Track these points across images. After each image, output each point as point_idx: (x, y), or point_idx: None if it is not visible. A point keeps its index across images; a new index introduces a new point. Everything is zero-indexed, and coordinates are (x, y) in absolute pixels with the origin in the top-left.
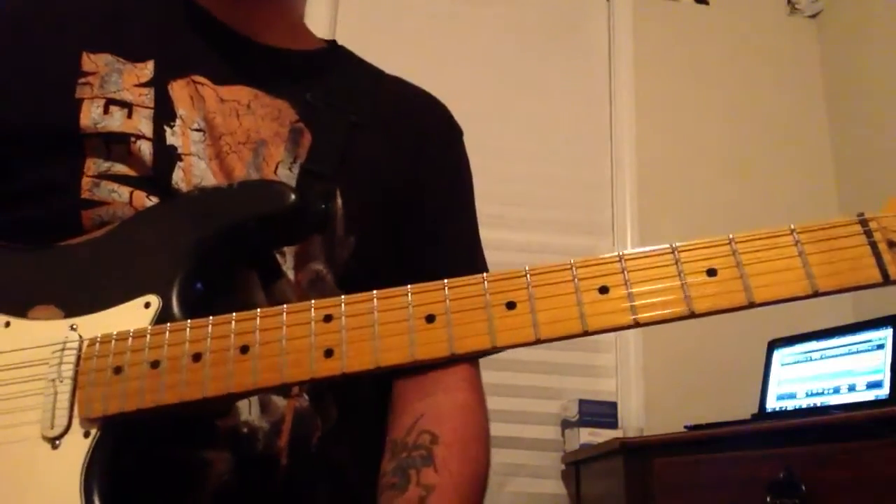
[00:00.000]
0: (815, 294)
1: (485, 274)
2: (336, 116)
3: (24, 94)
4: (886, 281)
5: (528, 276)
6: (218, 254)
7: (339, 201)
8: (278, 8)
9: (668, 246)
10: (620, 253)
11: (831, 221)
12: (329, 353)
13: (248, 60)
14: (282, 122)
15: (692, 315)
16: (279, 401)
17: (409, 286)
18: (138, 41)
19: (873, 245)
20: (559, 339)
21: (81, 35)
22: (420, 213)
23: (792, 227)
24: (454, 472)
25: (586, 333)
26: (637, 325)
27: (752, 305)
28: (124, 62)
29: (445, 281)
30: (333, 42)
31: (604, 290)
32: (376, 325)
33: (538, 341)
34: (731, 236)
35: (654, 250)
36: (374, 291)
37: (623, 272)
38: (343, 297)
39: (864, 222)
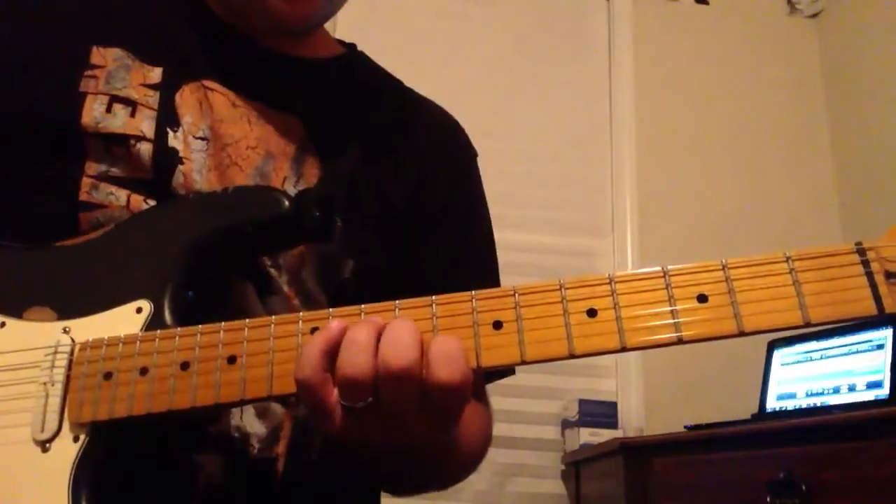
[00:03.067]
0: (808, 324)
1: (473, 292)
2: (346, 137)
3: (28, 84)
4: (881, 313)
5: (517, 295)
6: (212, 259)
7: (339, 222)
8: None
9: (659, 269)
10: (611, 275)
11: (828, 249)
12: None
13: (259, 69)
14: (288, 140)
15: (680, 341)
16: (278, 406)
17: (397, 301)
18: (150, 41)
19: (870, 276)
20: (545, 360)
21: (92, 28)
22: (434, 238)
23: (788, 254)
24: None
25: (573, 356)
26: (624, 349)
27: (742, 334)
28: (134, 59)
29: (433, 297)
30: (352, 47)
31: (592, 312)
32: None
33: (523, 362)
34: (724, 261)
35: (644, 273)
36: (363, 306)
37: (612, 295)
38: (331, 310)
39: (861, 251)
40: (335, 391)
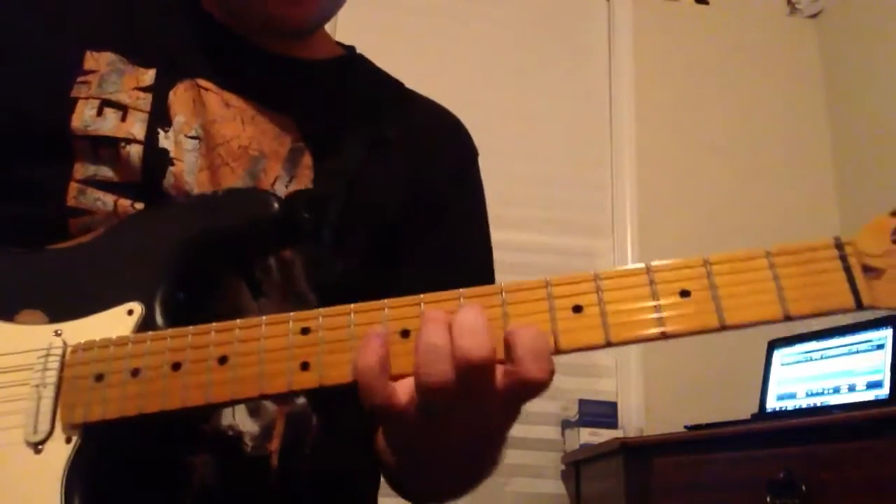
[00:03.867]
0: (788, 318)
1: (461, 290)
2: (342, 138)
3: (20, 89)
4: (860, 307)
5: (504, 293)
6: (202, 260)
7: (332, 223)
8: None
9: (643, 266)
10: (595, 272)
11: (807, 244)
12: (305, 365)
13: (255, 70)
14: (281, 141)
15: (664, 336)
16: (270, 404)
17: (386, 300)
18: (144, 43)
19: (848, 270)
20: None
21: (87, 32)
22: (430, 239)
23: (768, 249)
24: None
25: (559, 352)
26: (609, 345)
27: (723, 328)
28: (127, 63)
29: (422, 296)
30: (352, 49)
31: (577, 308)
32: (353, 339)
33: None
34: (706, 257)
35: (629, 269)
36: (352, 305)
37: (598, 291)
38: (321, 309)
39: (839, 246)
40: (397, 397)
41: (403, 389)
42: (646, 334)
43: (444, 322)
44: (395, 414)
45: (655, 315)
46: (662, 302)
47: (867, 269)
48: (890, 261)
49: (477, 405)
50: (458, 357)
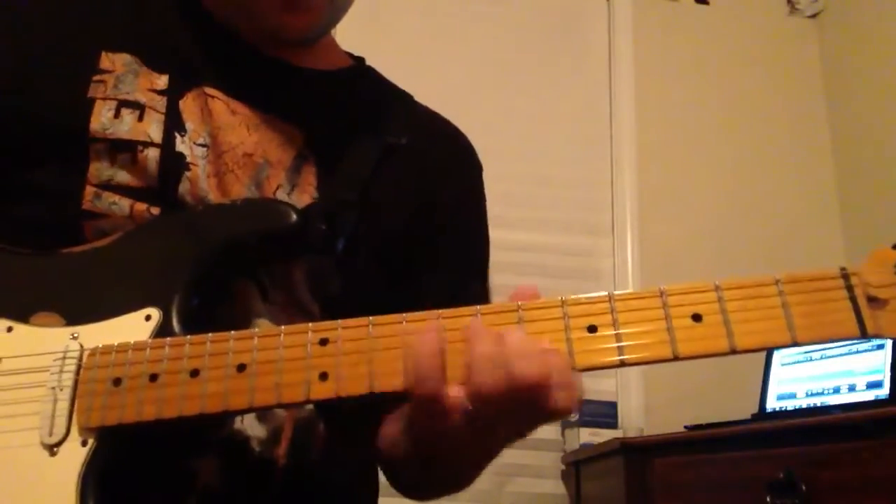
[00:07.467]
0: (795, 344)
1: (478, 307)
2: (346, 149)
3: (37, 90)
4: (864, 335)
5: (520, 311)
6: (218, 268)
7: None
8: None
9: (656, 289)
10: (610, 293)
11: (815, 273)
12: (324, 376)
13: (261, 78)
14: (286, 150)
15: (676, 358)
16: (279, 409)
17: (404, 314)
18: (158, 48)
19: (853, 300)
20: None
21: (102, 33)
22: (431, 255)
23: (777, 277)
24: None
25: (573, 370)
26: (623, 364)
27: (734, 352)
28: (142, 65)
29: (440, 311)
30: (361, 60)
31: (592, 328)
32: (371, 351)
33: None
34: (717, 283)
35: (642, 292)
36: (371, 317)
37: (612, 312)
38: (340, 321)
39: (846, 276)
40: (451, 394)
41: (454, 391)
42: (659, 355)
43: (494, 335)
44: (440, 409)
45: (668, 338)
46: (675, 325)
47: (871, 300)
48: (893, 292)
49: (517, 423)
50: (516, 378)
